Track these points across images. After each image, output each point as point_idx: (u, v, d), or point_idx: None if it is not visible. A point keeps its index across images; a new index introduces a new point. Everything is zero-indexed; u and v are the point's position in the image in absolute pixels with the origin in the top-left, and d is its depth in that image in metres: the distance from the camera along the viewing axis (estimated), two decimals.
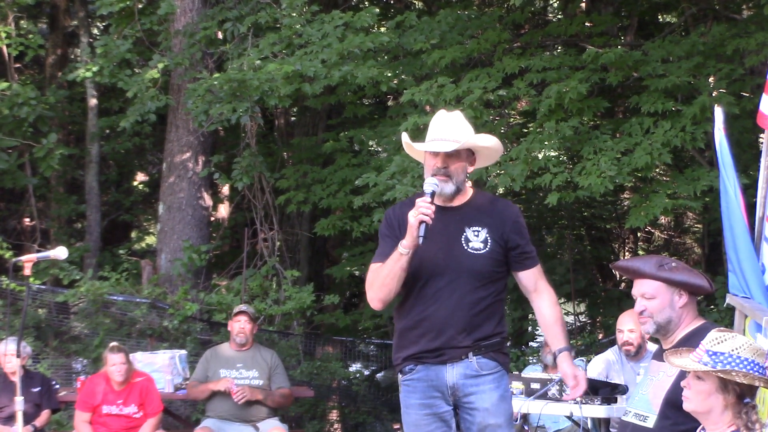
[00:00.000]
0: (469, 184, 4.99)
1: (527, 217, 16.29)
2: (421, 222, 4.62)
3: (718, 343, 3.88)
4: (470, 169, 4.95)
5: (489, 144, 4.97)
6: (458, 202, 4.90)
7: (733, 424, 3.82)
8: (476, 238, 4.81)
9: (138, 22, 12.71)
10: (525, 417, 7.44)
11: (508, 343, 5.13)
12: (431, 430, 4.85)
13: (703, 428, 4.01)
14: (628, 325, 7.45)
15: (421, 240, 4.63)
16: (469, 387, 4.79)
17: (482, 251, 4.80)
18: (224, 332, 11.00)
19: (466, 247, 4.79)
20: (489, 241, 4.81)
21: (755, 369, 3.79)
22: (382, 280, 4.81)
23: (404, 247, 4.70)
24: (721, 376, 3.82)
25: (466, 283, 4.75)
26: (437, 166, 4.83)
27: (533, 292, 4.94)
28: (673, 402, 4.51)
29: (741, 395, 3.82)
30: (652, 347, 7.30)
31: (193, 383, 9.10)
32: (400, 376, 4.96)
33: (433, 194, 4.72)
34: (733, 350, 3.81)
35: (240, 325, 9.09)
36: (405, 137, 5.08)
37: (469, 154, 4.93)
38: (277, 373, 9.12)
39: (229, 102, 11.27)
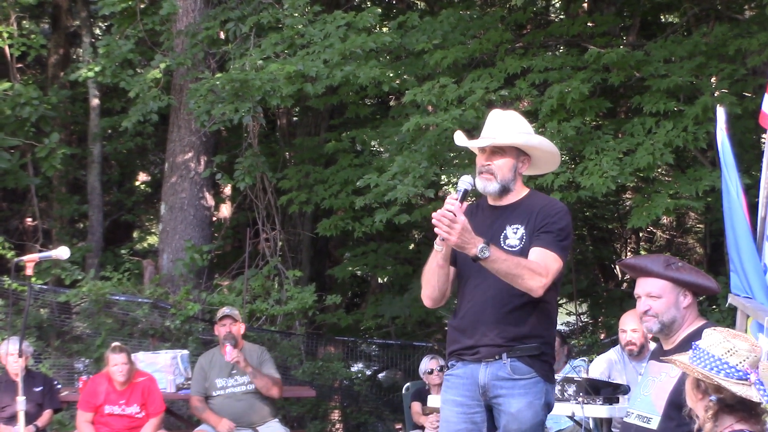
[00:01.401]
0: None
1: None
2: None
3: (702, 338, 3.88)
4: (523, 169, 4.92)
5: (532, 143, 4.92)
6: (507, 201, 4.89)
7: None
8: (514, 236, 4.78)
9: (140, 22, 12.71)
10: None
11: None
12: (460, 430, 4.86)
13: None
14: (630, 325, 7.43)
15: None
16: (499, 389, 4.77)
17: (517, 247, 4.75)
18: None
19: (503, 245, 4.76)
20: (524, 237, 4.76)
21: (717, 367, 3.72)
22: (425, 277, 4.90)
23: (437, 244, 4.75)
24: (681, 368, 3.83)
25: (500, 280, 4.67)
26: (481, 164, 4.87)
27: None
28: (677, 403, 4.50)
29: (705, 391, 3.79)
30: (654, 346, 7.29)
31: (197, 403, 8.96)
32: (446, 371, 5.03)
33: (465, 192, 4.67)
34: (707, 346, 3.79)
35: (226, 329, 8.99)
36: (458, 135, 5.05)
37: (518, 154, 4.89)
38: (266, 365, 9.02)
39: (231, 102, 11.27)
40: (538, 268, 4.64)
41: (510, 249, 4.72)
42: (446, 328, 5.40)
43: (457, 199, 4.61)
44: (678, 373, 4.54)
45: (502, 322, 4.74)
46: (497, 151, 4.85)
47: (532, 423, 4.78)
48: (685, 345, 4.51)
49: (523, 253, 4.73)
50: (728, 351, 3.71)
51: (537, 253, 4.71)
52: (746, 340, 3.79)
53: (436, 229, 4.54)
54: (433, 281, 4.86)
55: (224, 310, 9.24)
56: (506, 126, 4.88)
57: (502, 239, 4.78)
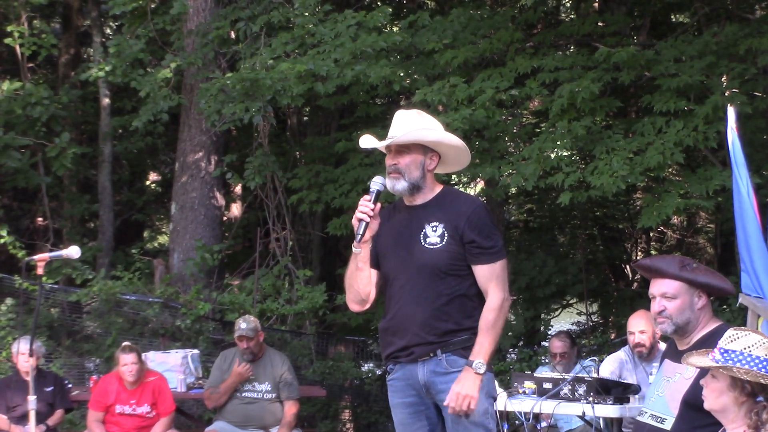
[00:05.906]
0: (431, 181, 4.94)
1: (539, 217, 16.30)
2: (360, 220, 4.69)
3: (732, 341, 3.89)
4: (432, 166, 4.90)
5: (433, 138, 4.89)
6: (422, 200, 4.89)
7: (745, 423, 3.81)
8: (434, 233, 4.79)
9: (151, 21, 12.74)
10: (537, 416, 7.43)
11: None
12: (416, 429, 4.90)
13: (725, 429, 4.00)
14: (638, 327, 7.40)
15: (359, 238, 4.70)
16: (439, 384, 4.79)
17: (438, 246, 4.77)
18: None
19: (423, 243, 4.79)
20: (446, 235, 4.77)
21: (766, 368, 3.77)
22: (347, 282, 4.95)
23: (354, 247, 4.78)
24: (725, 373, 3.83)
25: (424, 279, 4.74)
26: (388, 164, 4.88)
27: (485, 292, 4.80)
28: (691, 403, 4.49)
29: (752, 393, 3.80)
30: (663, 346, 7.26)
31: (211, 391, 8.86)
32: (387, 376, 5.04)
33: (377, 193, 4.74)
34: (744, 348, 3.81)
35: (244, 346, 8.78)
36: (363, 138, 5.06)
37: (425, 151, 4.87)
38: (285, 383, 8.86)
39: (241, 101, 11.28)
40: (497, 299, 4.74)
41: (431, 247, 4.77)
42: None
43: (370, 200, 4.71)
44: (693, 374, 4.53)
45: (432, 319, 4.77)
46: (402, 149, 4.85)
47: (478, 412, 4.75)
48: (702, 345, 4.51)
49: (447, 251, 4.76)
50: None
51: (489, 272, 4.77)
52: None
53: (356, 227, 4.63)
54: (354, 285, 4.90)
55: (240, 327, 8.82)
56: (408, 124, 4.88)
57: (422, 238, 4.80)
